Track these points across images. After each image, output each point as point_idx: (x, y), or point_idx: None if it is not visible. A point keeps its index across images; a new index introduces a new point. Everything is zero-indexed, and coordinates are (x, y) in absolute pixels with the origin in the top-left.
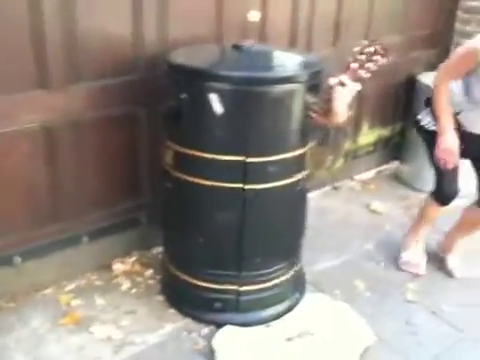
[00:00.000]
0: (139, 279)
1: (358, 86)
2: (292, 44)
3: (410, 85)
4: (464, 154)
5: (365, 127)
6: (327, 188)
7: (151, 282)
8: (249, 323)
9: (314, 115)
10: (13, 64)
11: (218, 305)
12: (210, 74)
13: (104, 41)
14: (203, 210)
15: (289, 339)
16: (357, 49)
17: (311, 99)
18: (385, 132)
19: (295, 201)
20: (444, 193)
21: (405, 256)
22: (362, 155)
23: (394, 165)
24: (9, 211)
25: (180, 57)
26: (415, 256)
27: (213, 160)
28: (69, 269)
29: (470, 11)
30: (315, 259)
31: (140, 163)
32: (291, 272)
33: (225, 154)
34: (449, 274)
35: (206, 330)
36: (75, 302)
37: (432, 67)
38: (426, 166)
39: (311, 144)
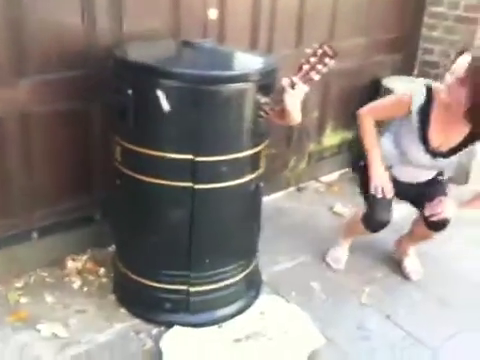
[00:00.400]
0: (91, 277)
1: (306, 88)
2: (253, 44)
3: (374, 88)
4: (402, 198)
5: (328, 129)
6: (291, 189)
7: (104, 280)
8: (200, 324)
9: (268, 115)
10: None
11: (168, 306)
12: (156, 70)
13: (53, 33)
14: (151, 208)
15: (237, 340)
16: (308, 51)
17: (263, 99)
18: (349, 135)
19: (248, 201)
20: (374, 221)
21: (331, 252)
22: (327, 157)
23: None
24: None
25: (127, 52)
26: (339, 253)
27: (161, 158)
28: (19, 265)
29: (436, 17)
30: (273, 260)
31: (93, 159)
32: (244, 273)
33: (173, 152)
34: (406, 277)
35: (155, 331)
36: (24, 299)
37: (398, 71)
38: None
39: (265, 144)
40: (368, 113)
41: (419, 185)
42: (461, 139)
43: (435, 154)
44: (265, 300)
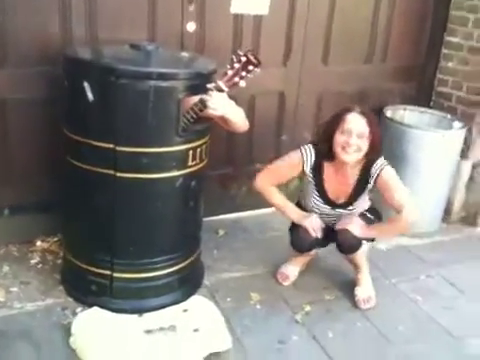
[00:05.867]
0: (50, 257)
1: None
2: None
3: (378, 115)
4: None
5: None
6: None
7: (59, 262)
8: (120, 310)
9: (197, 116)
10: None
11: (94, 288)
12: (81, 63)
13: (34, 36)
14: (81, 192)
15: (148, 331)
16: (233, 57)
17: (189, 99)
18: None
19: (175, 197)
20: (294, 243)
21: (281, 267)
22: None
23: None
24: None
25: (72, 50)
26: (287, 270)
27: (87, 144)
28: None
29: (451, 47)
30: (227, 269)
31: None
32: (173, 268)
33: (97, 140)
34: (355, 305)
35: (80, 310)
36: None
37: (412, 101)
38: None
39: (198, 144)
40: (266, 175)
41: None
42: (353, 185)
43: (334, 205)
44: (195, 300)
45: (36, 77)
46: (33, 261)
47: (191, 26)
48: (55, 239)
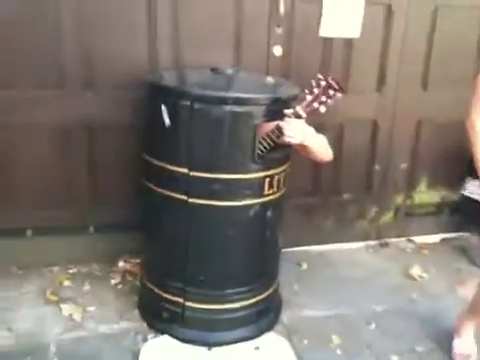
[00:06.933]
0: (130, 278)
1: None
2: None
3: None
4: None
5: (423, 184)
6: (372, 242)
7: (138, 284)
8: (189, 340)
9: (275, 144)
10: None
11: (165, 315)
12: (159, 88)
13: (122, 61)
14: (156, 216)
15: None
16: (312, 82)
17: (266, 125)
18: (451, 195)
19: (249, 226)
20: None
21: (456, 346)
22: (420, 215)
23: (464, 235)
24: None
25: (154, 76)
26: (466, 347)
27: (162, 168)
28: (80, 255)
29: None
30: (307, 306)
31: None
32: (245, 302)
33: (171, 164)
34: (451, 358)
35: (152, 336)
36: (67, 282)
37: None
38: None
39: (275, 172)
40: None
41: None
42: None
43: None
44: (269, 338)
45: (122, 101)
46: (113, 281)
47: (278, 50)
48: (137, 261)
